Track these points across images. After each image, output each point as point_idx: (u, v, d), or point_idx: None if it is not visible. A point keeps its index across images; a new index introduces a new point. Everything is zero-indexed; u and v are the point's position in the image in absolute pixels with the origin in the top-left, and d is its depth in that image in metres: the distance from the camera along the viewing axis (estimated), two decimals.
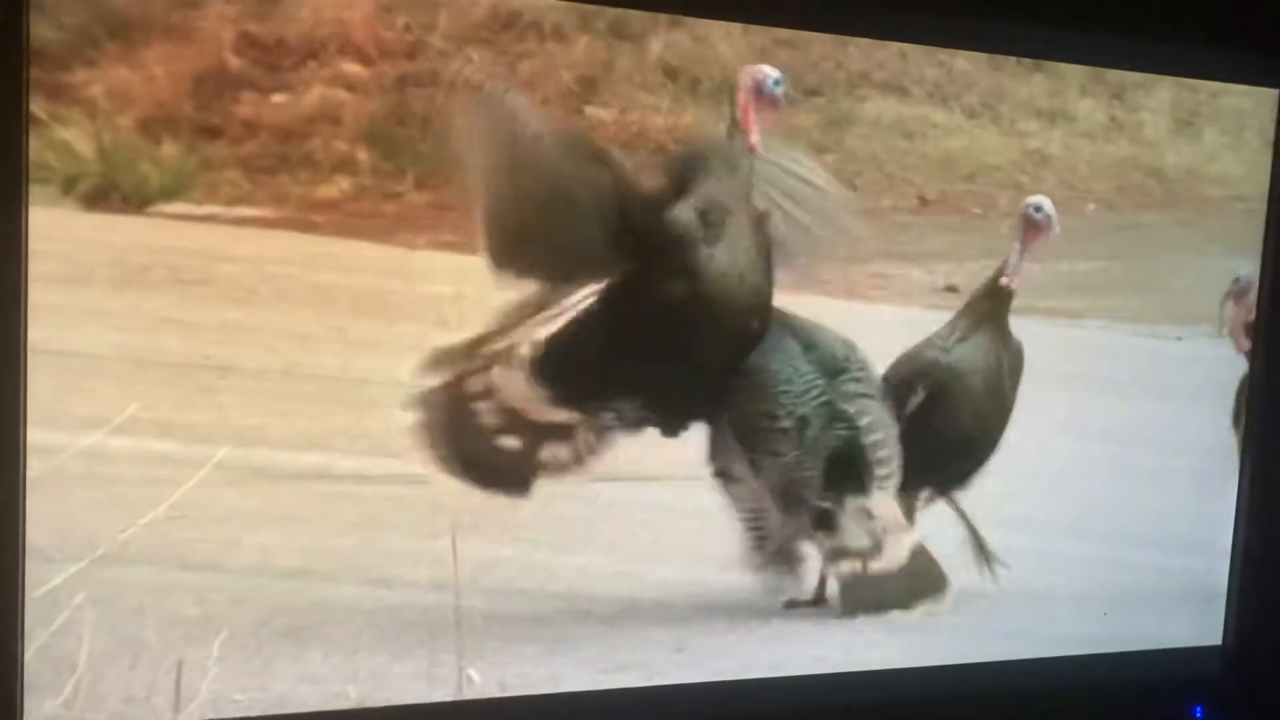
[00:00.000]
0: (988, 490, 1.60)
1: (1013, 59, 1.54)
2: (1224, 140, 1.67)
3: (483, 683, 1.35)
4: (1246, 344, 1.70)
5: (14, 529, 1.19)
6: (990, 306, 1.57)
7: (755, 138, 1.39)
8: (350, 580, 1.32)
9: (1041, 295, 1.60)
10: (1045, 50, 1.56)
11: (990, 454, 1.59)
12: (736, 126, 1.39)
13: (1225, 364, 1.70)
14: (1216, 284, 1.69)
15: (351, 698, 1.30)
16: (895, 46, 1.48)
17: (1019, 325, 1.60)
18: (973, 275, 1.57)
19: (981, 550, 1.58)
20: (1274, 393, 1.72)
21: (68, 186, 1.20)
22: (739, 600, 1.47)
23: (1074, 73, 1.58)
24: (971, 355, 1.56)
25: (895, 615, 1.52)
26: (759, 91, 1.39)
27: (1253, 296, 1.68)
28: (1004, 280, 1.56)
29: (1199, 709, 1.71)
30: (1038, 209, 1.55)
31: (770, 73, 1.39)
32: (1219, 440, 1.71)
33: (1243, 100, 1.66)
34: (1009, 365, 1.58)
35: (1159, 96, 1.63)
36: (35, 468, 1.20)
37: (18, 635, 1.20)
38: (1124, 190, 1.64)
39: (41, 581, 1.21)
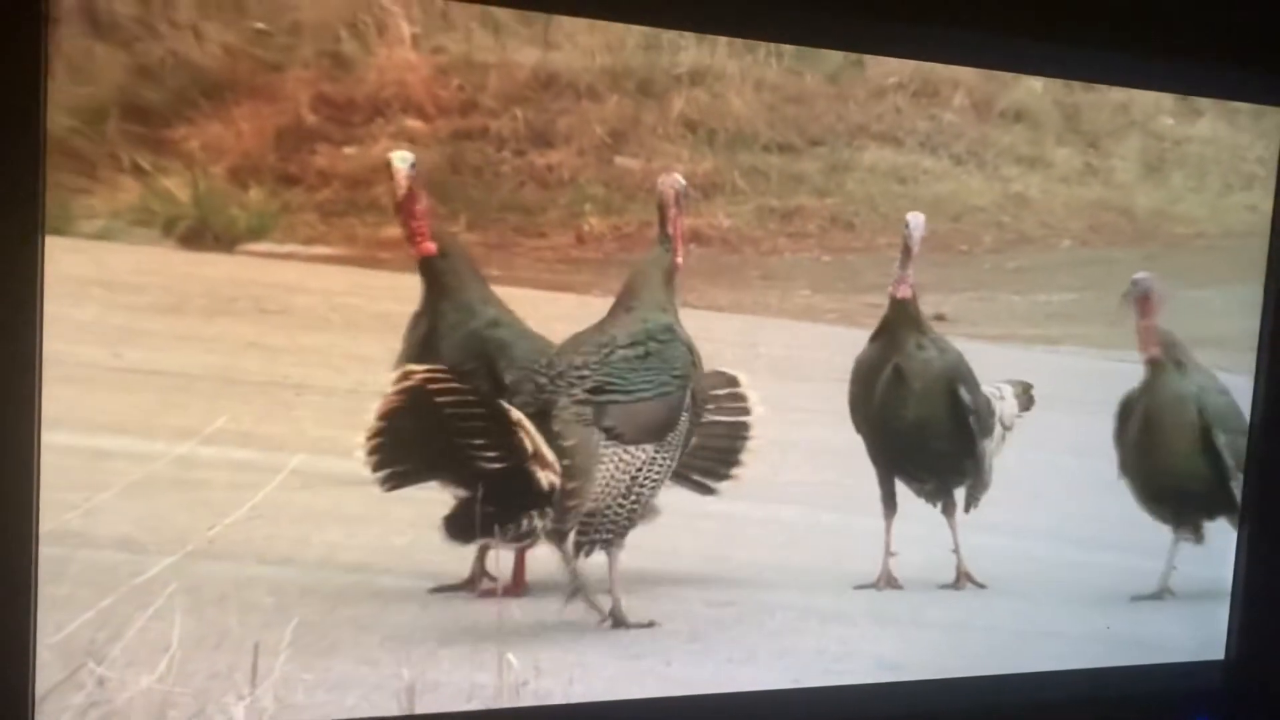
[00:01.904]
0: (989, 500, 1.69)
1: (996, 112, 1.65)
2: (1188, 184, 1.77)
3: (520, 667, 1.45)
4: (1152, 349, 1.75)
5: (28, 517, 1.28)
6: (888, 317, 1.64)
7: (680, 258, 1.51)
8: (405, 574, 1.43)
9: (1022, 324, 1.70)
10: (1054, 68, 1.65)
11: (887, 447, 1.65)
12: (668, 238, 1.50)
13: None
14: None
15: (404, 678, 1.41)
16: (891, 101, 1.60)
17: (1005, 352, 1.69)
18: (959, 305, 1.67)
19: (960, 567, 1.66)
20: (1275, 406, 1.76)
21: (168, 228, 1.33)
22: (747, 594, 1.56)
23: (1051, 123, 1.68)
24: (860, 360, 1.64)
25: (898, 621, 1.61)
26: (679, 202, 1.49)
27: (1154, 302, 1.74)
28: (890, 290, 1.63)
29: None
30: (906, 225, 1.61)
31: (681, 181, 1.50)
32: None
33: (1205, 147, 1.77)
34: (911, 372, 1.64)
35: (1129, 144, 1.73)
36: (134, 473, 1.33)
37: (29, 650, 1.30)
38: (1096, 228, 1.73)
39: (139, 572, 1.33)
